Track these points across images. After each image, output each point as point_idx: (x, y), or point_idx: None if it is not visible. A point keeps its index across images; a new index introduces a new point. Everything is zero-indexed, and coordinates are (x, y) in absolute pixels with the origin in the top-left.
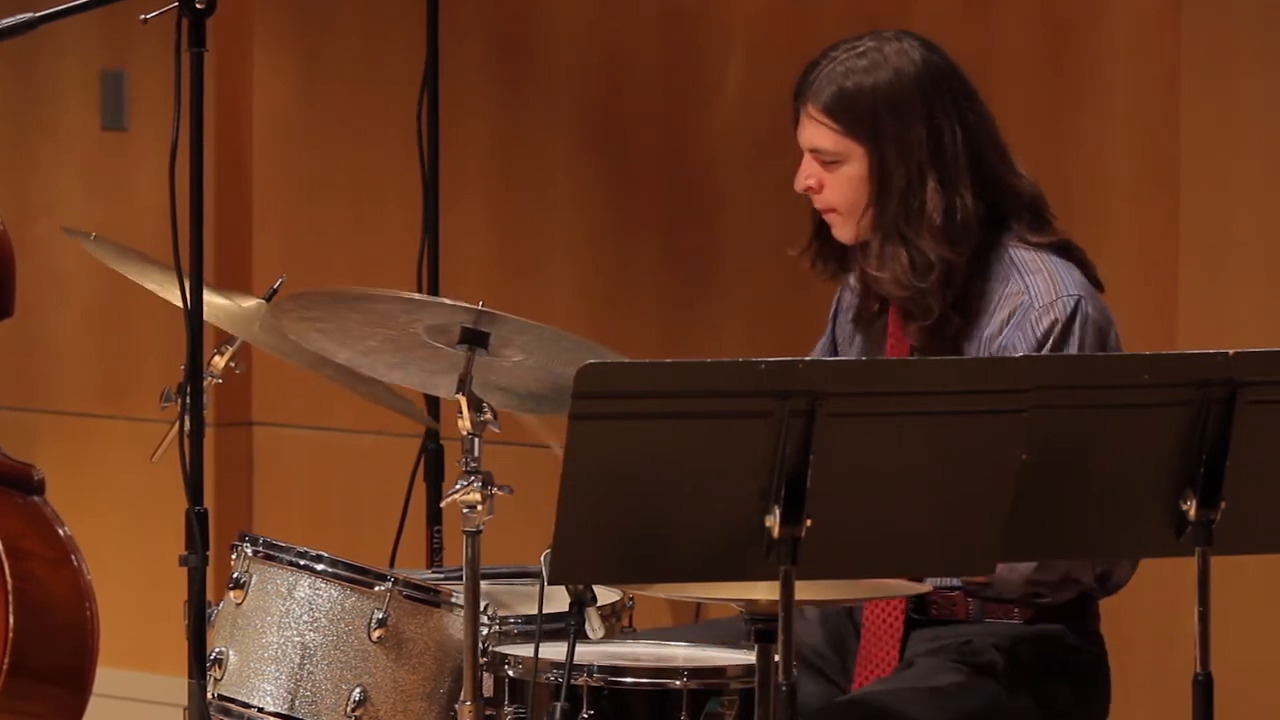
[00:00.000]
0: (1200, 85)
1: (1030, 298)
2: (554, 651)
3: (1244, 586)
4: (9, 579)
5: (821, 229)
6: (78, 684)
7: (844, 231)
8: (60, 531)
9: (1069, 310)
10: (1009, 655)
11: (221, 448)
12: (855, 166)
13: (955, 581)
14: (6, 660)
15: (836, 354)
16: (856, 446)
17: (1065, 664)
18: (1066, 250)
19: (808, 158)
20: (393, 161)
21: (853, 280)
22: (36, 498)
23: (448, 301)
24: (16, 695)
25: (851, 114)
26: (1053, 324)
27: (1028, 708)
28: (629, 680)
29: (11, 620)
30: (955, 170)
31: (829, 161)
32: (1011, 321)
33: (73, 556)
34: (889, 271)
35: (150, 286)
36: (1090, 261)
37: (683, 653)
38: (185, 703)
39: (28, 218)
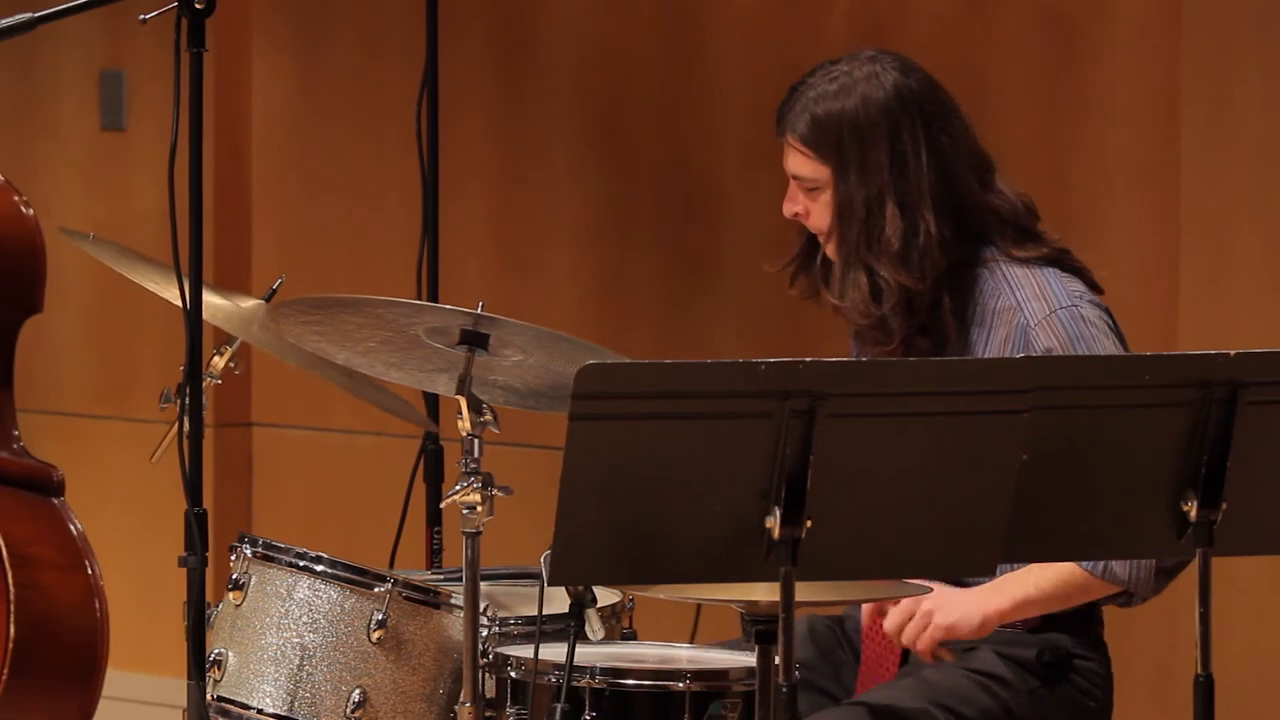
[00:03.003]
0: (1200, 85)
1: (1025, 315)
2: (555, 653)
3: (1245, 587)
4: (11, 588)
5: (806, 248)
6: (84, 689)
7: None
8: (74, 533)
9: (1064, 323)
10: (1013, 663)
11: (221, 448)
12: (831, 192)
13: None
14: (6, 669)
15: None
16: (857, 447)
17: (1069, 672)
18: (1059, 261)
19: (793, 184)
20: (392, 161)
21: None
22: (56, 500)
23: (447, 307)
24: (17, 702)
25: (823, 141)
26: (1048, 350)
27: (1030, 716)
28: (631, 682)
29: (12, 630)
30: (919, 195)
31: (811, 188)
32: (1013, 343)
33: (86, 561)
34: (849, 299)
35: (149, 286)
36: (1086, 268)
37: (685, 654)
38: (184, 704)
39: None
